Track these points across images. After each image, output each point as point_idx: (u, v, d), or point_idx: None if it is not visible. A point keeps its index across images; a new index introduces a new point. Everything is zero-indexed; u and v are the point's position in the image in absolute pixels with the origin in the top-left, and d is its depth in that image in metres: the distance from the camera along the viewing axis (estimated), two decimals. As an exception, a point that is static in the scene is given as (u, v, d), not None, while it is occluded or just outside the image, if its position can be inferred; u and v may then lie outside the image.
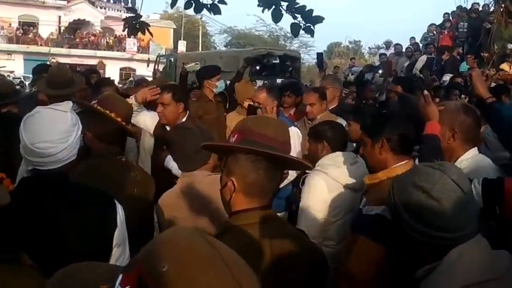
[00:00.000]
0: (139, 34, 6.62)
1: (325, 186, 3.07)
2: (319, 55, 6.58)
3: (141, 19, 6.21)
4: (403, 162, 2.41)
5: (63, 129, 1.87)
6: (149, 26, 6.05)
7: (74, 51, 39.08)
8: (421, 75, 10.89)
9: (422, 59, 12.00)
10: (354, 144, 3.84)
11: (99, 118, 2.63)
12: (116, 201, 1.99)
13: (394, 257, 2.13)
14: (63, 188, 1.90)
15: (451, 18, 14.36)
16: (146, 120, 4.30)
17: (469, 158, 2.55)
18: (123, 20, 6.10)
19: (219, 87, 5.46)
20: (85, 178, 2.42)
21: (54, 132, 1.85)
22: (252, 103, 4.94)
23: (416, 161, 2.48)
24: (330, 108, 5.04)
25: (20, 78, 26.47)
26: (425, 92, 2.56)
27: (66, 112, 1.93)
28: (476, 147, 2.63)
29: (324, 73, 6.45)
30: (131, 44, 38.51)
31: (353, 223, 2.53)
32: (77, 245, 1.82)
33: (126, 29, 5.74)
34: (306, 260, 1.75)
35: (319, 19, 6.17)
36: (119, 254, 1.94)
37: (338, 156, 3.15)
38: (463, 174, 1.54)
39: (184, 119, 4.02)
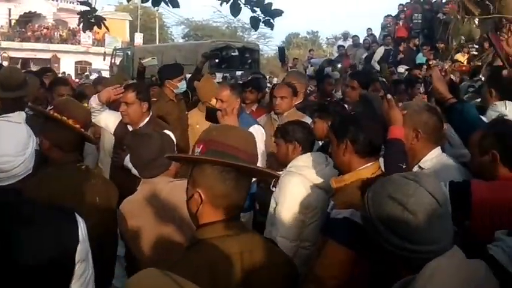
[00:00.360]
0: (95, 27, 6.47)
1: (302, 188, 3.05)
2: (281, 49, 6.58)
3: (96, 12, 6.05)
4: (369, 164, 2.41)
5: (20, 142, 1.77)
6: (105, 19, 5.92)
7: (26, 45, 37.86)
8: (379, 68, 11.07)
9: (380, 50, 12.14)
10: (320, 143, 3.82)
11: (57, 125, 2.53)
12: (76, 216, 1.89)
13: (368, 262, 2.14)
14: (19, 206, 1.80)
15: (405, 9, 14.59)
16: (107, 120, 4.19)
17: (433, 158, 2.58)
18: (78, 13, 5.93)
19: (180, 88, 5.34)
20: (43, 189, 2.35)
21: (11, 146, 1.74)
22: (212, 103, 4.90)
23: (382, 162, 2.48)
24: (295, 103, 4.94)
25: (-31, 74, 25.44)
26: (389, 96, 2.55)
27: (20, 123, 1.82)
28: (439, 147, 2.66)
29: (287, 67, 6.44)
30: (86, 37, 37.56)
31: (322, 226, 2.52)
32: (34, 264, 1.72)
33: (81, 24, 5.56)
34: (278, 273, 1.73)
35: (279, 12, 6.16)
36: (83, 269, 1.86)
37: (311, 158, 3.13)
38: (439, 185, 1.54)
39: (147, 119, 3.93)
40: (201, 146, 1.70)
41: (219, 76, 13.41)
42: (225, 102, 4.19)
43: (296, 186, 3.05)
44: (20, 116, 1.85)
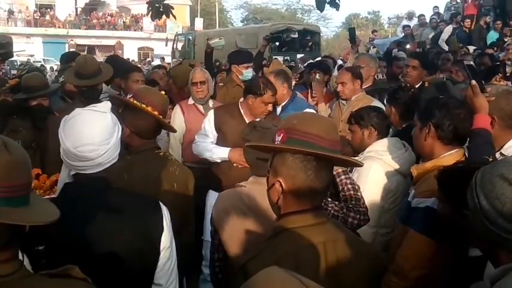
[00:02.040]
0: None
1: (382, 172, 3.02)
2: (352, 30, 6.43)
3: (164, 0, 6.11)
4: (453, 151, 2.33)
5: (105, 131, 1.82)
6: (173, 8, 5.96)
7: (91, 32, 39.19)
8: (447, 47, 10.62)
9: (448, 29, 11.66)
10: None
11: (136, 113, 2.58)
12: (161, 205, 1.94)
13: (456, 253, 2.07)
14: (107, 194, 1.86)
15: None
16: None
17: None
18: (147, 3, 6.02)
19: (244, 76, 5.36)
20: (125, 176, 2.41)
21: (96, 134, 1.79)
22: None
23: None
24: (364, 87, 4.83)
25: (40, 61, 26.64)
26: (473, 82, 2.43)
27: (106, 113, 1.87)
28: None
29: (357, 48, 6.31)
30: (148, 23, 38.35)
31: (402, 215, 2.46)
32: (124, 253, 1.79)
33: (150, 13, 5.66)
34: (362, 264, 1.70)
35: (343, -8, 6.03)
36: (168, 257, 1.91)
37: (389, 143, 3.09)
38: None
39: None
40: (282, 135, 1.67)
41: (280, 59, 13.34)
42: (345, 84, 4.35)
43: (376, 171, 3.02)
44: (105, 105, 1.89)
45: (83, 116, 1.84)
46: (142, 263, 1.85)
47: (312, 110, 4.21)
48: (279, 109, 4.42)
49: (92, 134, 1.79)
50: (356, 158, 3.17)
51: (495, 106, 2.45)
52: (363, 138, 3.20)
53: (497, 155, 2.50)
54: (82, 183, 1.85)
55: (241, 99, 3.93)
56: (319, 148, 1.61)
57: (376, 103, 4.21)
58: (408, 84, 4.57)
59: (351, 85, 4.47)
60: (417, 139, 2.45)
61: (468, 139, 2.39)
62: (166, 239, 1.90)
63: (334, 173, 2.36)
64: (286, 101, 4.50)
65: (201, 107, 4.61)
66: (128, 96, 2.73)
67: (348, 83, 4.47)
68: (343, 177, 2.50)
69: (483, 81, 2.57)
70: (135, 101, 2.58)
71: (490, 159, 2.21)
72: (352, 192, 2.61)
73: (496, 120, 2.45)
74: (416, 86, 4.84)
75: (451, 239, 2.08)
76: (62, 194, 1.89)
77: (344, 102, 4.54)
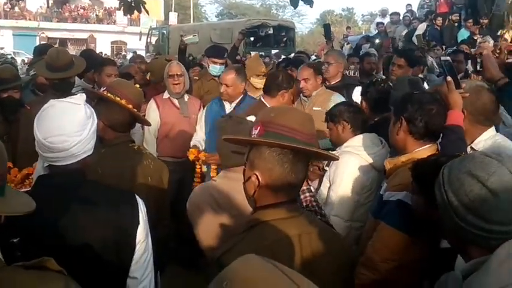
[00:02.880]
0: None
1: (359, 167, 3.06)
2: (327, 26, 6.48)
3: (134, -5, 6.05)
4: (426, 146, 2.36)
5: (77, 122, 1.80)
6: (145, 3, 5.90)
7: (63, 25, 38.51)
8: (416, 43, 10.73)
9: (422, 27, 11.80)
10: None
11: (110, 106, 2.55)
12: (137, 198, 1.93)
13: (428, 245, 2.10)
14: (82, 187, 1.84)
15: (447, -17, 14.12)
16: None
17: (487, 139, 2.51)
18: (118, -3, 5.94)
19: (211, 70, 5.42)
20: (99, 169, 2.38)
21: (67, 125, 1.78)
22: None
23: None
24: (333, 83, 4.91)
25: (10, 54, 26.06)
26: (449, 78, 2.47)
27: (80, 104, 1.85)
28: (493, 128, 2.57)
29: (331, 44, 6.34)
30: (121, 16, 37.86)
31: (374, 208, 2.49)
32: (99, 246, 1.77)
33: (122, 8, 5.58)
34: (336, 257, 1.71)
35: (318, -11, 6.06)
36: (143, 250, 1.90)
37: (367, 138, 3.13)
38: None
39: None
40: (259, 128, 1.67)
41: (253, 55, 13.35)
42: (230, 87, 4.25)
43: (354, 166, 3.06)
44: (80, 97, 1.87)
45: (55, 107, 1.82)
46: (118, 256, 1.84)
47: None
48: (228, 106, 4.37)
49: (62, 125, 1.78)
50: (333, 152, 3.21)
51: (466, 101, 2.49)
52: (339, 134, 3.25)
53: (468, 149, 2.55)
54: (56, 176, 1.84)
55: (263, 98, 4.10)
56: (295, 141, 1.62)
57: (337, 97, 4.36)
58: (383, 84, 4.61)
59: (314, 81, 4.49)
60: (391, 133, 2.48)
61: (442, 135, 2.42)
62: (142, 232, 1.89)
63: None
64: (240, 98, 4.42)
65: (176, 101, 4.60)
66: (102, 89, 2.69)
67: (311, 79, 4.49)
68: (307, 194, 2.50)
69: (459, 79, 2.61)
70: (109, 94, 2.56)
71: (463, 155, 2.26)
72: (317, 209, 2.58)
73: (466, 114, 2.48)
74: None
75: (423, 232, 2.12)
76: (36, 186, 1.87)
77: (305, 98, 4.54)
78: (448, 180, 1.49)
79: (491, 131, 2.57)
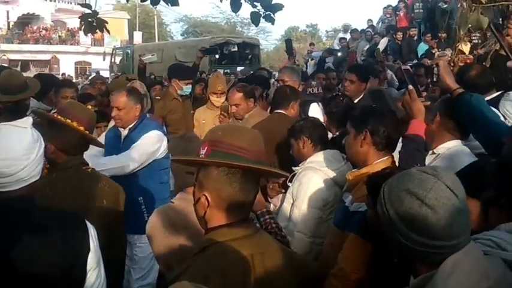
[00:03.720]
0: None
1: (322, 184, 3.06)
2: (288, 42, 6.55)
3: (97, 15, 5.98)
4: (385, 158, 2.38)
5: (24, 146, 1.75)
6: (107, 22, 5.82)
7: (25, 47, 37.86)
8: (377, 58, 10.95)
9: (384, 41, 12.05)
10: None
11: (61, 129, 2.49)
12: (87, 223, 1.87)
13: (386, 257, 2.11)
14: (30, 213, 1.77)
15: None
16: None
17: (450, 148, 2.54)
18: (79, 17, 5.85)
19: (184, 91, 5.38)
20: (50, 193, 2.32)
21: (13, 149, 1.72)
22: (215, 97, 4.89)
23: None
24: None
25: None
26: (410, 87, 2.48)
27: (26, 128, 1.80)
28: (459, 141, 2.61)
29: (293, 59, 6.37)
30: (85, 37, 37.51)
31: (339, 220, 2.49)
32: (48, 274, 1.71)
33: (83, 28, 5.51)
34: (291, 274, 1.69)
35: (279, 7, 6.10)
36: (95, 277, 1.84)
37: (329, 154, 3.14)
38: (457, 180, 1.47)
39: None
40: (206, 147, 1.64)
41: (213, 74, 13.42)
42: (122, 110, 3.85)
43: (317, 182, 3.06)
44: (27, 121, 1.82)
45: (1, 131, 1.76)
46: (68, 284, 1.77)
47: (159, 132, 3.92)
48: (124, 132, 3.90)
49: (8, 149, 1.72)
50: (297, 167, 3.21)
51: (441, 107, 2.53)
52: (300, 149, 3.26)
53: (430, 153, 2.58)
54: (3, 202, 1.76)
55: (281, 110, 4.03)
56: (244, 160, 1.60)
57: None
58: (343, 98, 4.64)
59: (245, 105, 4.48)
60: (351, 146, 2.47)
61: (401, 144, 2.44)
62: (93, 259, 1.83)
63: (258, 212, 2.36)
64: (135, 122, 3.89)
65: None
66: (53, 111, 2.63)
67: (241, 104, 4.48)
68: (267, 217, 2.48)
69: (419, 87, 2.64)
70: (59, 116, 2.50)
71: (418, 166, 2.28)
72: (277, 231, 2.56)
73: (439, 117, 2.50)
74: (357, 100, 4.78)
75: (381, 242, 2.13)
76: None
77: (238, 122, 4.49)
78: (389, 199, 1.49)
79: (457, 142, 2.60)
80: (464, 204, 1.45)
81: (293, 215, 3.07)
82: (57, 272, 1.73)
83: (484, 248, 1.53)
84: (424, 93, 2.62)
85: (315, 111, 4.63)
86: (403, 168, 2.26)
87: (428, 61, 7.24)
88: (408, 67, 2.87)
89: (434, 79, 4.84)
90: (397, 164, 2.40)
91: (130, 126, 3.86)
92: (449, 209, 1.40)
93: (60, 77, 24.46)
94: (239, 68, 14.91)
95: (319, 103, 4.87)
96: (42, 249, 1.72)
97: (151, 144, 3.77)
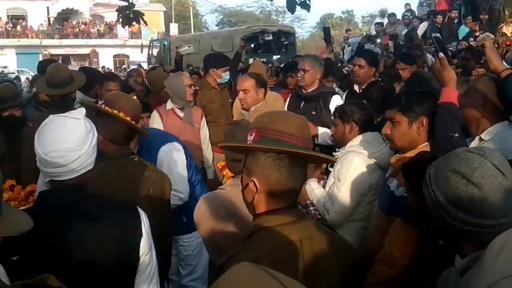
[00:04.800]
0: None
1: (364, 166, 3.05)
2: (326, 29, 6.50)
3: (134, 7, 6.09)
4: (427, 143, 2.36)
5: (77, 137, 1.80)
6: (143, 14, 5.93)
7: (65, 42, 38.81)
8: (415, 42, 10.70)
9: (423, 25, 11.77)
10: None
11: (108, 119, 2.55)
12: (139, 210, 1.93)
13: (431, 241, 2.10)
14: (83, 201, 1.83)
15: (445, -20, 14.08)
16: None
17: (498, 132, 2.47)
18: (116, 10, 5.97)
19: (223, 78, 5.38)
20: (100, 183, 2.38)
21: (67, 140, 1.77)
22: None
23: None
24: (309, 91, 4.66)
25: (14, 72, 26.24)
26: (441, 54, 2.43)
27: (79, 119, 1.84)
28: (506, 122, 2.53)
29: (331, 47, 6.31)
30: (122, 30, 38.05)
31: (385, 205, 2.48)
32: (103, 260, 1.77)
33: (120, 20, 5.61)
34: (338, 259, 1.70)
35: (314, -7, 6.08)
36: (147, 262, 1.89)
37: (370, 137, 3.12)
38: (504, 159, 1.45)
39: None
40: (254, 134, 1.66)
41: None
42: (248, 92, 3.91)
43: (359, 165, 3.05)
44: (80, 112, 1.87)
45: (54, 123, 1.82)
46: (122, 270, 1.83)
47: (169, 146, 3.48)
48: None
49: (61, 140, 1.77)
50: (337, 153, 3.20)
51: (491, 89, 2.45)
52: (345, 133, 3.23)
53: (476, 138, 2.52)
54: (57, 191, 1.83)
55: None
56: (291, 146, 1.61)
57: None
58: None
59: (254, 93, 4.22)
60: (405, 135, 2.42)
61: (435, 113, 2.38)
62: (146, 244, 1.89)
63: (303, 203, 2.34)
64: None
65: (178, 111, 4.60)
66: (99, 102, 2.69)
67: (251, 91, 4.21)
68: (311, 208, 2.47)
69: (449, 55, 2.58)
70: (106, 107, 2.56)
71: (456, 135, 2.23)
72: (322, 221, 2.54)
73: (488, 102, 2.44)
74: (366, 85, 4.74)
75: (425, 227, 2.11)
76: (37, 203, 1.87)
77: (244, 112, 4.31)
78: (435, 180, 1.49)
79: (503, 124, 2.53)
80: None
81: (332, 194, 3.07)
82: (111, 257, 1.78)
83: None
84: (455, 60, 2.54)
85: (336, 103, 4.43)
86: (440, 141, 2.23)
87: (473, 41, 7.00)
88: (438, 35, 2.79)
89: (482, 61, 4.69)
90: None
91: None
92: (496, 187, 1.39)
93: (100, 70, 25.01)
94: (275, 57, 14.84)
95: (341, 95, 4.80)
96: (96, 237, 1.78)
97: (177, 164, 3.44)
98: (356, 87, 4.98)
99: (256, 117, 1.82)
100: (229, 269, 1.01)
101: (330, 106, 4.42)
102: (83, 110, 1.87)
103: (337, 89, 5.62)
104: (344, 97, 4.86)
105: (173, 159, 3.38)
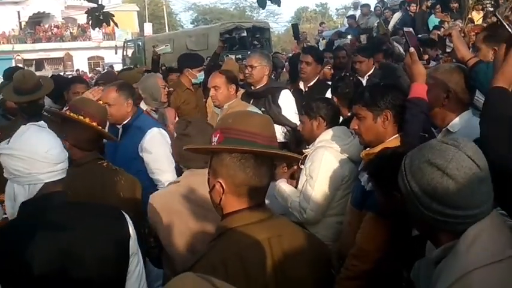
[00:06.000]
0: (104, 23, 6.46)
1: (335, 160, 3.05)
2: (294, 26, 6.48)
3: (103, 8, 6.02)
4: (397, 135, 2.36)
5: (58, 140, 1.85)
6: (113, 16, 5.87)
7: (38, 46, 38.14)
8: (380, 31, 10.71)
9: (397, 16, 11.82)
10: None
11: (74, 125, 2.52)
12: (124, 213, 1.93)
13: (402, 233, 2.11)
14: (69, 206, 1.85)
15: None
16: None
17: (463, 121, 2.48)
18: (86, 12, 5.90)
19: (198, 78, 5.35)
20: (68, 190, 2.34)
21: (56, 141, 1.84)
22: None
23: None
24: (258, 87, 4.55)
25: (-14, 80, 25.73)
26: (411, 49, 2.42)
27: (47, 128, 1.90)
28: (470, 110, 2.54)
29: (302, 44, 6.31)
30: (96, 32, 37.61)
31: (356, 200, 2.48)
32: (99, 261, 1.78)
33: (90, 22, 5.54)
34: (309, 256, 1.69)
35: (284, -12, 6.07)
36: (136, 263, 1.90)
37: (338, 131, 3.13)
38: (479, 149, 1.46)
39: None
40: (218, 135, 1.66)
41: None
42: (113, 106, 3.54)
43: (329, 159, 3.05)
44: (42, 124, 1.91)
45: (32, 128, 1.85)
46: (116, 271, 1.84)
47: (158, 129, 3.64)
48: (120, 129, 3.68)
49: (52, 141, 1.83)
50: (307, 149, 3.20)
51: (450, 80, 2.45)
52: (313, 129, 3.24)
53: (443, 131, 2.54)
54: (41, 198, 1.81)
55: None
56: (255, 145, 1.60)
57: (252, 109, 3.95)
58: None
59: (225, 90, 4.10)
60: (371, 129, 2.42)
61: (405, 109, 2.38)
62: (134, 245, 1.90)
63: None
64: (129, 119, 3.66)
65: (153, 113, 4.55)
66: (64, 108, 2.66)
67: (221, 87, 4.09)
68: None
69: (421, 49, 2.58)
70: (71, 113, 2.52)
71: (426, 136, 2.25)
72: None
73: (452, 93, 2.44)
74: (312, 83, 4.81)
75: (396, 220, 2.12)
76: (20, 212, 1.83)
77: (217, 110, 4.23)
78: (410, 171, 1.50)
79: (468, 113, 2.54)
80: (486, 173, 1.44)
81: (306, 193, 3.07)
82: (108, 259, 1.79)
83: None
84: (426, 56, 2.54)
85: (285, 98, 4.51)
86: (409, 135, 2.25)
87: (439, 32, 7.06)
88: (411, 29, 2.80)
89: (448, 50, 4.73)
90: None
91: (124, 122, 3.64)
92: (471, 178, 1.40)
93: (74, 73, 24.67)
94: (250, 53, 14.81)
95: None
96: (92, 238, 1.78)
97: (164, 146, 3.55)
98: (301, 85, 4.97)
99: (221, 118, 1.81)
100: (201, 270, 1.00)
101: (278, 101, 4.39)
102: (44, 124, 1.91)
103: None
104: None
105: (157, 144, 3.50)
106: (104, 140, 3.18)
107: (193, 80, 5.35)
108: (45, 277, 1.56)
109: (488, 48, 2.79)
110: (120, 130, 3.67)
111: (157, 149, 3.48)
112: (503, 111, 1.90)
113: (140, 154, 3.50)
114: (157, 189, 3.42)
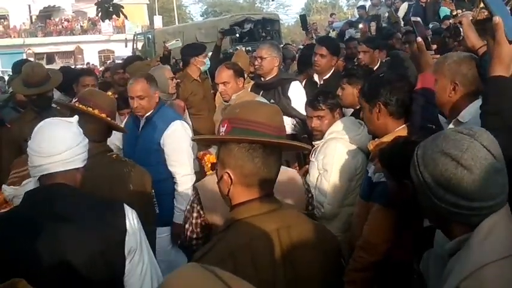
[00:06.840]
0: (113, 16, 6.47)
1: (347, 151, 3.04)
2: (302, 17, 6.42)
3: (113, 1, 6.03)
4: (404, 125, 2.35)
5: (70, 134, 1.89)
6: (122, 7, 5.87)
7: (49, 40, 38.32)
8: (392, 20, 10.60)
9: (404, 6, 11.72)
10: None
11: (83, 117, 2.51)
12: (125, 206, 1.91)
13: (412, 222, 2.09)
14: (67, 199, 1.84)
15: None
16: None
17: (473, 111, 2.45)
18: (95, 4, 5.90)
19: (206, 65, 5.33)
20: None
21: (60, 134, 1.86)
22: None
23: None
24: (268, 78, 4.54)
25: (-2, 73, 25.93)
26: (419, 39, 2.41)
27: (72, 122, 1.95)
28: (480, 99, 2.51)
29: (311, 34, 6.25)
30: (106, 25, 37.69)
31: (364, 191, 2.47)
32: (85, 259, 1.76)
33: (99, 15, 5.55)
34: (318, 247, 1.68)
35: (294, -21, 6.04)
36: (137, 261, 1.87)
37: (347, 122, 3.12)
38: (494, 139, 1.42)
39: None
40: (226, 125, 1.65)
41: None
42: (144, 99, 3.61)
43: (342, 151, 3.05)
44: (74, 118, 2.01)
45: (46, 123, 1.91)
46: (108, 269, 1.81)
47: (181, 122, 3.70)
48: (142, 120, 3.70)
49: (55, 134, 1.85)
50: (317, 142, 3.18)
51: (457, 71, 2.42)
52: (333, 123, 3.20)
53: (453, 122, 2.50)
54: (41, 190, 1.84)
55: None
56: (263, 135, 1.59)
57: (260, 99, 3.79)
58: (317, 74, 4.47)
59: (234, 84, 4.03)
60: (370, 121, 2.46)
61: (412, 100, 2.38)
62: (132, 241, 1.86)
63: None
64: (152, 111, 3.68)
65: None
66: (73, 100, 2.65)
67: (231, 82, 4.01)
68: None
69: (429, 39, 2.55)
70: (80, 105, 2.52)
71: (434, 128, 2.22)
72: None
73: (458, 86, 2.41)
74: (328, 76, 4.63)
75: (407, 210, 2.10)
76: (23, 201, 1.86)
77: (226, 103, 4.12)
78: (423, 161, 1.46)
79: (478, 102, 2.50)
80: (502, 164, 1.40)
81: (322, 186, 3.06)
82: (95, 257, 1.77)
83: None
84: (434, 46, 2.51)
85: (295, 90, 4.45)
86: (416, 123, 2.23)
87: (450, 21, 6.94)
88: (418, 18, 2.76)
89: (460, 38, 4.66)
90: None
91: (148, 114, 3.66)
92: (486, 169, 1.36)
93: (85, 66, 24.77)
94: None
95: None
96: (78, 236, 1.77)
97: (185, 139, 3.59)
98: (316, 78, 4.81)
99: (228, 108, 1.80)
100: (210, 261, 0.98)
101: (288, 93, 4.35)
102: (76, 117, 1.98)
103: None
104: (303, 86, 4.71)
105: (178, 138, 3.57)
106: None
107: (202, 68, 5.33)
108: (32, 273, 1.54)
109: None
110: (143, 121, 3.69)
111: (178, 141, 3.56)
112: (503, 103, 1.82)
113: (161, 146, 3.55)
114: (174, 182, 3.57)
